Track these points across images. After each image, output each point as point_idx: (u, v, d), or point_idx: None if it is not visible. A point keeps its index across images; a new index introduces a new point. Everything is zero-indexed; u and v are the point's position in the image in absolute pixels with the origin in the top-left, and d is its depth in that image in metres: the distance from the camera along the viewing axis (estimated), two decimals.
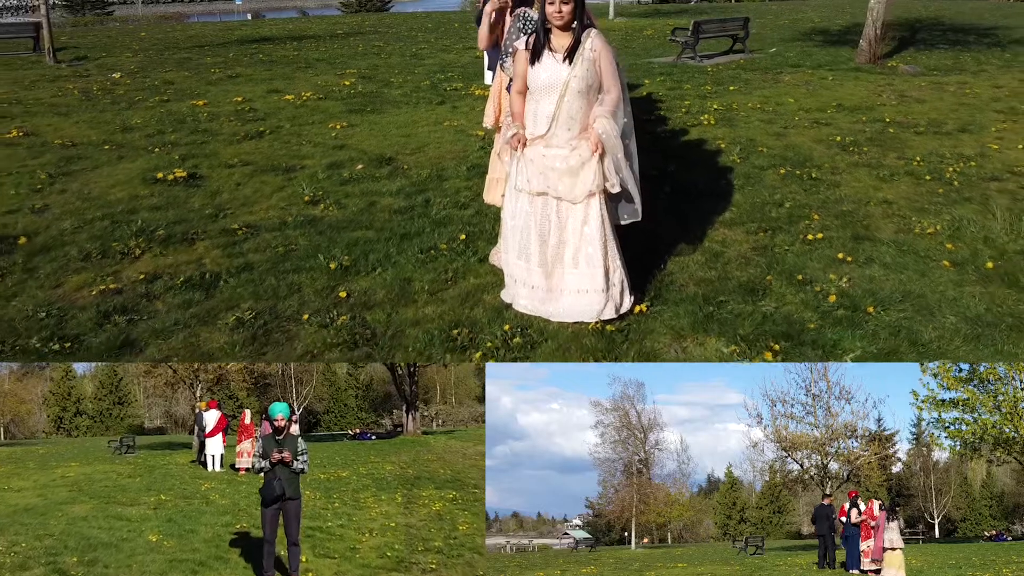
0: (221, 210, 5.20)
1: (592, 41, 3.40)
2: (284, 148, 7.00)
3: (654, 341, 3.41)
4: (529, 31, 3.66)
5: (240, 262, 4.25)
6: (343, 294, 3.82)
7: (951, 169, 5.87)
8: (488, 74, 7.36)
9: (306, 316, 3.61)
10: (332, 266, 4.11)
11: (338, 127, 7.82)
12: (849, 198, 5.22)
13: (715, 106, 8.36)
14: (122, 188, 5.75)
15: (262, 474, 3.65)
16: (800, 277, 3.98)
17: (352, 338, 3.41)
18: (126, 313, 3.66)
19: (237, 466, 9.46)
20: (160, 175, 5.96)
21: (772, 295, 3.81)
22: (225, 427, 9.87)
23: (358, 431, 19.45)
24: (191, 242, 4.61)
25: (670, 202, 5.20)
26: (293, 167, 6.30)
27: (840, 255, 4.26)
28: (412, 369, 16.53)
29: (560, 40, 3.38)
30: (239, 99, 9.45)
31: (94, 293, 3.89)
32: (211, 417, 9.91)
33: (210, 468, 9.70)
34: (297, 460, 3.59)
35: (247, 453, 9.38)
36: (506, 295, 3.65)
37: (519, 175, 3.42)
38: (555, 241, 3.41)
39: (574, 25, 3.39)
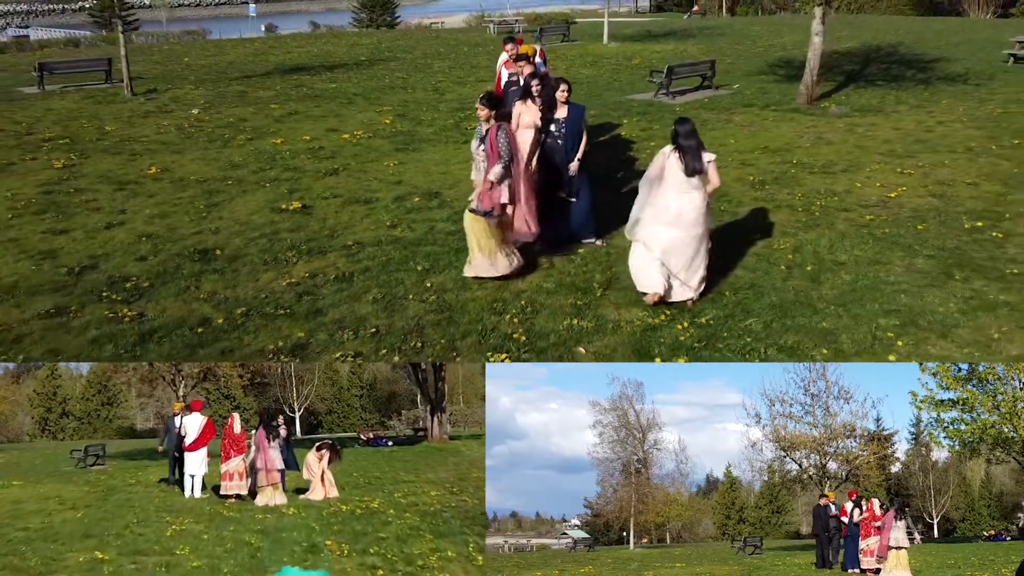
0: (333, 232, 8.16)
1: None
2: (357, 183, 9.95)
3: (604, 310, 6.34)
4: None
5: (361, 266, 7.20)
6: (428, 284, 6.77)
7: (819, 203, 8.81)
8: None
9: (411, 296, 6.56)
10: (419, 268, 7.07)
11: (392, 165, 10.78)
12: (742, 225, 8.17)
13: None
14: (260, 215, 8.71)
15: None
16: None
17: (439, 307, 6.35)
18: (309, 295, 6.62)
19: (223, 492, 7.78)
20: (283, 206, 8.93)
21: None
22: (210, 439, 8.19)
23: (371, 436, 17.67)
24: (324, 253, 7.56)
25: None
26: (370, 199, 9.25)
27: (721, 262, 7.21)
28: (438, 367, 14.97)
29: None
30: (308, 138, 12.42)
31: (284, 284, 6.85)
32: (194, 423, 8.20)
33: (188, 493, 8.00)
34: None
35: (238, 475, 7.77)
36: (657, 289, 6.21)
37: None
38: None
39: None
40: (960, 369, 10.92)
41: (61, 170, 10.67)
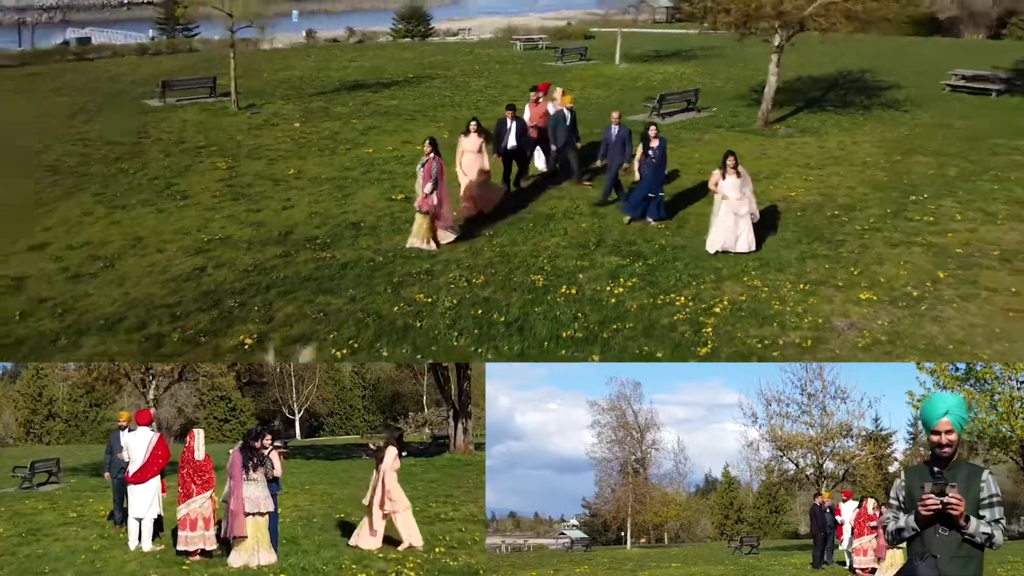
0: None
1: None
2: None
3: (595, 257, 11.49)
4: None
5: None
6: (494, 243, 11.99)
7: None
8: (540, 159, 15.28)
9: (485, 249, 11.77)
10: (487, 234, 12.30)
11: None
12: (687, 212, 13.29)
13: None
14: (379, 203, 13.95)
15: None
16: (641, 240, 12.09)
17: (502, 254, 11.53)
18: (426, 248, 11.86)
19: (181, 548, 6.28)
20: (391, 196, 14.16)
21: (637, 245, 11.90)
22: (163, 465, 6.79)
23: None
24: None
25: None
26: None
27: (669, 233, 12.35)
28: (462, 367, 14.50)
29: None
30: (390, 148, 17.69)
31: (405, 244, 12.09)
32: (139, 443, 6.72)
33: (132, 543, 6.61)
34: None
35: (202, 519, 6.19)
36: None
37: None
38: None
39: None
40: (957, 369, 11.70)
41: (227, 171, 16.00)
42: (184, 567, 6.50)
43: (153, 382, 18.52)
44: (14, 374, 29.68)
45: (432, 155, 11.41)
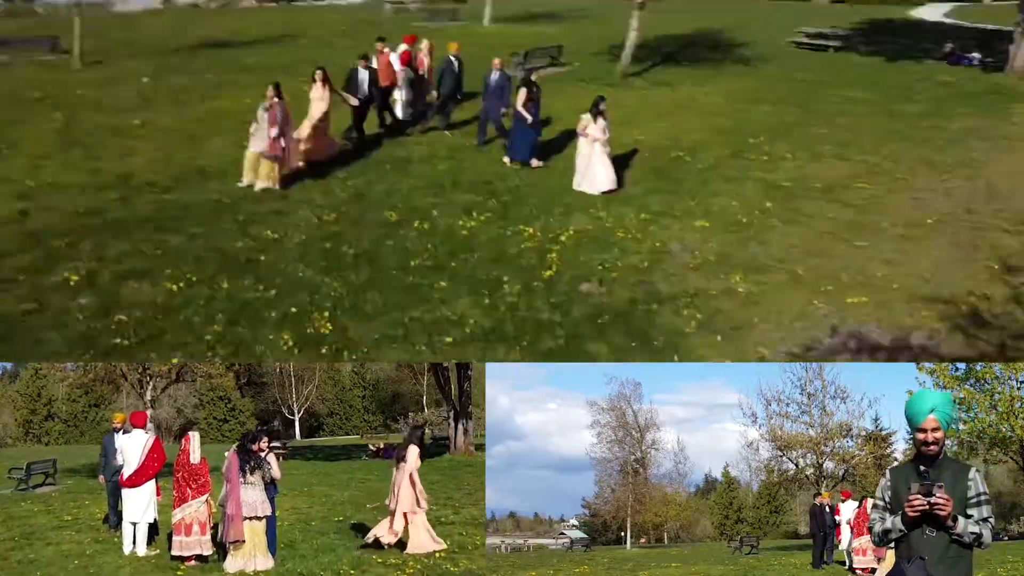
0: None
1: None
2: None
3: (451, 195, 11.58)
4: None
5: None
6: (344, 179, 11.86)
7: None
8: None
9: (338, 187, 11.63)
10: (342, 175, 12.14)
11: None
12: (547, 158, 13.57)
13: None
14: (231, 149, 13.41)
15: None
16: (497, 180, 12.27)
17: (356, 191, 11.44)
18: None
19: (176, 553, 6.23)
20: (245, 144, 13.66)
21: (493, 184, 12.06)
22: (159, 468, 6.66)
23: (382, 446, 16.44)
24: None
25: None
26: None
27: (525, 172, 12.58)
28: (463, 366, 14.19)
29: None
30: (248, 100, 16.94)
31: (254, 186, 11.76)
32: (134, 445, 6.53)
33: (127, 548, 6.52)
34: None
35: (198, 525, 6.13)
36: None
37: None
38: None
39: None
40: (957, 368, 11.53)
41: (63, 122, 15.00)
42: (179, 572, 6.48)
43: (151, 383, 18.02)
44: (13, 374, 28.72)
45: (276, 99, 11.11)
